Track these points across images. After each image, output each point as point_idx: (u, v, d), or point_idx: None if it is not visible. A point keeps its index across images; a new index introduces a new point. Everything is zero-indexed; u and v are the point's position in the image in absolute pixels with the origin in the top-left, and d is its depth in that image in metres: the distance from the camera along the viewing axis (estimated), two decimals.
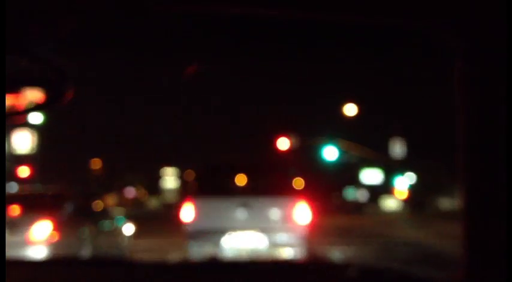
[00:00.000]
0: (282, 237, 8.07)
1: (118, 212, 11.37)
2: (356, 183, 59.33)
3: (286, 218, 8.12)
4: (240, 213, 8.20)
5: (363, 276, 1.42)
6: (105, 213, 10.16)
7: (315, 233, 8.78)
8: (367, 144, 39.50)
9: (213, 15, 1.20)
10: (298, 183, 8.83)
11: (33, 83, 1.15)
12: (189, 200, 8.30)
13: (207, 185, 8.76)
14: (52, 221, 7.76)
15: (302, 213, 8.15)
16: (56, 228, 7.73)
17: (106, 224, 9.77)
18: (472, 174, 1.02)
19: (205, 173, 8.96)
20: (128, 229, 10.83)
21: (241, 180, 9.16)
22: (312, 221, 9.17)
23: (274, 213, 8.17)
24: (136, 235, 14.11)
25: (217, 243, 8.10)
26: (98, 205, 10.28)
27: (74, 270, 1.57)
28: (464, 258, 1.03)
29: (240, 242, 8.04)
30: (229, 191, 8.85)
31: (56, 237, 7.70)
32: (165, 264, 2.13)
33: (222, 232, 8.04)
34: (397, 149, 36.91)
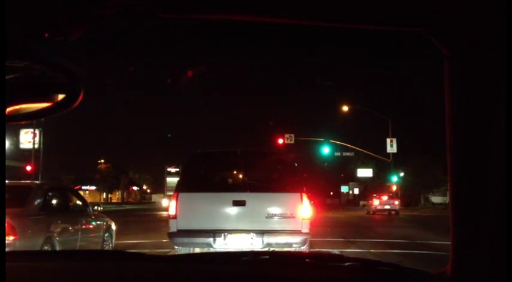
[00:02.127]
0: (281, 239, 6.42)
1: (101, 209, 9.49)
2: (352, 180, 58.76)
3: (287, 217, 6.47)
4: (234, 211, 6.54)
5: (357, 269, 1.37)
6: (84, 210, 8.45)
7: (317, 233, 7.03)
8: (363, 143, 38.69)
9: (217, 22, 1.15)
10: (298, 179, 7.09)
11: (45, 87, 1.07)
12: (175, 196, 6.62)
13: (196, 178, 7.07)
14: (8, 220, 6.05)
15: (304, 211, 6.50)
16: (13, 228, 6.03)
17: (84, 221, 8.10)
18: (460, 172, 1.01)
19: (193, 164, 7.21)
20: (112, 227, 9.17)
21: (235, 172, 7.46)
22: (314, 220, 7.58)
23: (273, 211, 6.50)
24: (125, 233, 12.58)
25: (206, 246, 6.46)
26: (75, 200, 8.57)
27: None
28: (453, 253, 1.03)
29: (233, 245, 6.38)
30: (221, 185, 7.16)
31: (13, 238, 6.00)
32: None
33: (212, 233, 6.39)
34: (392, 147, 36.06)
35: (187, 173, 7.06)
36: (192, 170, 7.14)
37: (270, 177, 7.16)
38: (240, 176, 7.18)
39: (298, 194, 6.55)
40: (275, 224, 6.45)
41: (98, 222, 8.67)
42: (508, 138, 0.91)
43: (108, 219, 9.22)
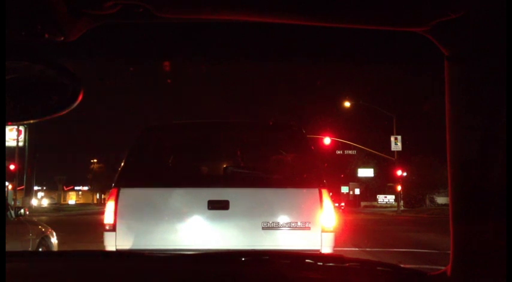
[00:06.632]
0: None
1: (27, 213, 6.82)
2: (352, 180, 56.53)
3: (297, 228, 3.87)
4: (210, 219, 3.92)
5: (356, 269, 1.31)
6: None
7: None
8: (365, 141, 36.45)
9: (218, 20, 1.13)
10: (315, 167, 4.40)
11: (45, 88, 1.07)
12: (113, 194, 3.99)
13: (149, 164, 4.44)
14: None
15: (326, 218, 3.91)
16: None
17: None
18: (460, 172, 1.00)
19: (146, 144, 4.52)
20: (50, 239, 6.55)
21: (212, 156, 4.79)
22: (340, 233, 5.01)
23: (274, 219, 3.89)
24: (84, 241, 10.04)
25: None
26: None
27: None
28: (453, 253, 1.02)
29: None
30: (190, 177, 4.38)
31: None
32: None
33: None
34: (397, 145, 34.10)
35: (136, 157, 4.32)
36: (144, 152, 4.44)
37: (269, 163, 4.49)
38: (221, 162, 4.52)
39: (315, 191, 3.94)
40: (277, 240, 3.85)
41: (26, 233, 6.06)
42: (508, 138, 0.90)
43: (46, 227, 6.61)
